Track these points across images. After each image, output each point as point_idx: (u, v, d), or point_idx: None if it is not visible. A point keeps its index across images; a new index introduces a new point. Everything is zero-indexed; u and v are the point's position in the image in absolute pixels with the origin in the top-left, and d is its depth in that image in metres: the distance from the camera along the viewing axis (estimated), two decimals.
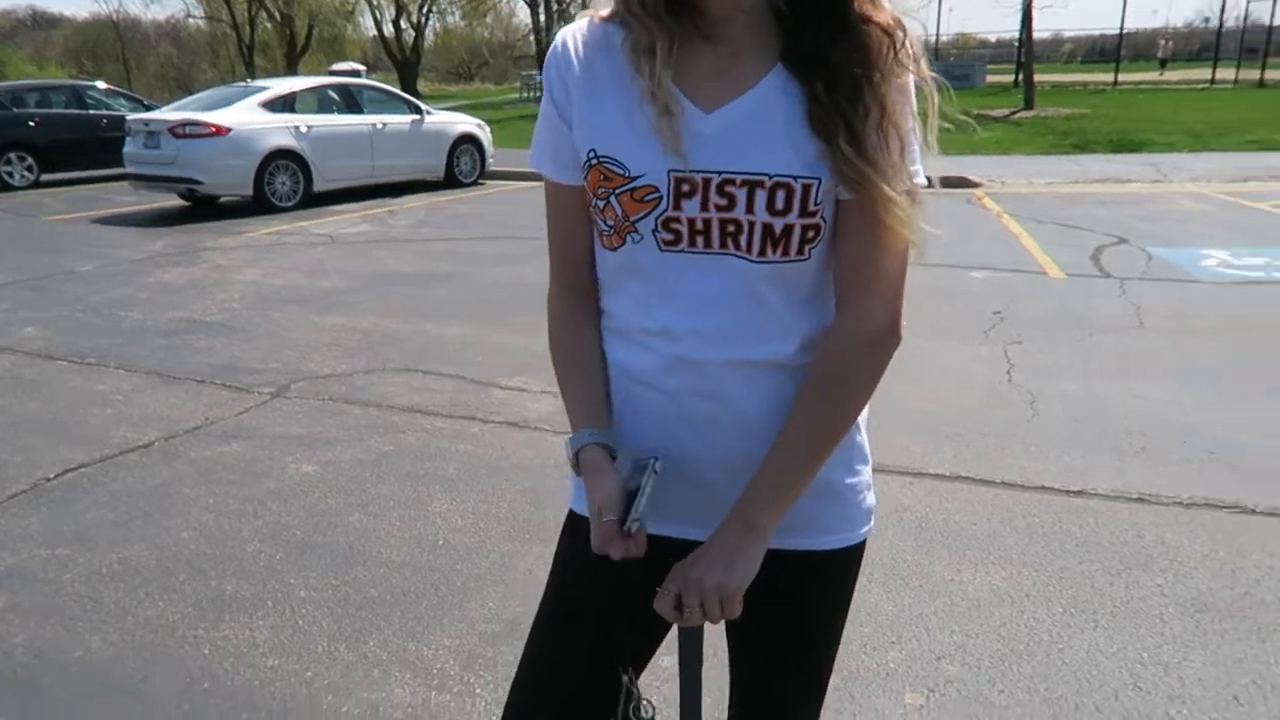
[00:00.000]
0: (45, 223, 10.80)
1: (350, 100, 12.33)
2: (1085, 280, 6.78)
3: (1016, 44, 30.81)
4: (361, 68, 32.42)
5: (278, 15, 46.41)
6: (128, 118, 11.75)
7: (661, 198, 1.06)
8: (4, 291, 7.10)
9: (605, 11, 1.12)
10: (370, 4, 49.66)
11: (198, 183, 10.75)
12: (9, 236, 9.94)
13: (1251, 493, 3.34)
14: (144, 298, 6.88)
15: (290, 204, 11.23)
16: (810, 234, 1.06)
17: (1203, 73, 33.62)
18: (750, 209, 1.04)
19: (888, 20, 1.04)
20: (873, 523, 1.25)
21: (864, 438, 1.24)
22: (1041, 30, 28.93)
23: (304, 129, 11.34)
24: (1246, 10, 33.65)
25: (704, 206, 1.05)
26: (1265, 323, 5.58)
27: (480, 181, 13.55)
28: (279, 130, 11.12)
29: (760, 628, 1.23)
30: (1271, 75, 30.63)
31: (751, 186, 1.03)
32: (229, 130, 10.67)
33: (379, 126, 12.16)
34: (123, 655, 2.54)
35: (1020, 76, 25.75)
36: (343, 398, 4.63)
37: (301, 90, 12.01)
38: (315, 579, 2.93)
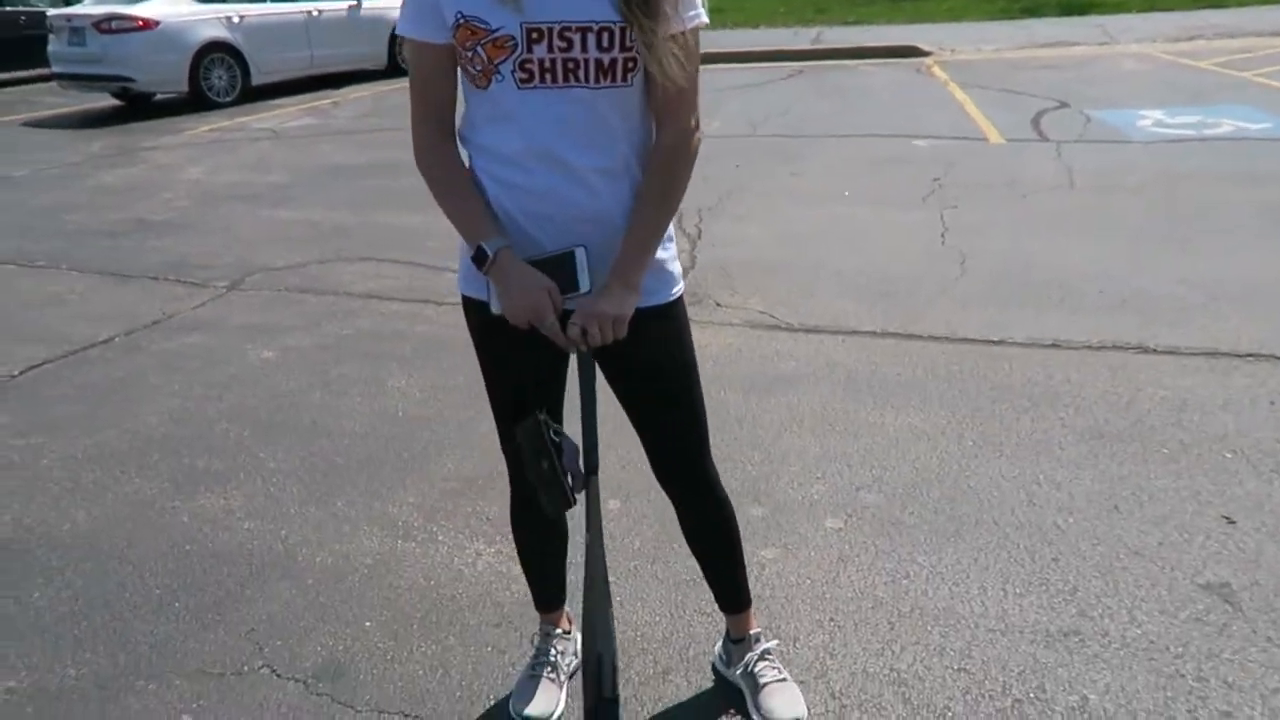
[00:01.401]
0: None
1: None
2: (1023, 145, 6.94)
3: None
4: None
5: None
6: (48, 13, 11.28)
7: (517, 44, 1.39)
8: None
9: None
10: None
11: (130, 80, 10.45)
12: None
13: (1154, 335, 3.61)
14: (86, 200, 6.82)
15: (229, 99, 10.96)
16: (630, 65, 1.43)
17: None
18: (584, 48, 1.40)
19: None
20: (682, 285, 1.67)
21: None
22: None
23: (236, 19, 10.96)
24: None
25: (549, 49, 1.40)
26: (1189, 179, 5.79)
27: None
28: (210, 21, 10.75)
29: (632, 367, 1.66)
30: None
31: (584, 32, 1.39)
32: (158, 23, 10.30)
33: (314, 14, 11.78)
34: (108, 527, 2.73)
35: None
36: (298, 287, 4.73)
37: None
38: (283, 452, 3.12)
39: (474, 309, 1.64)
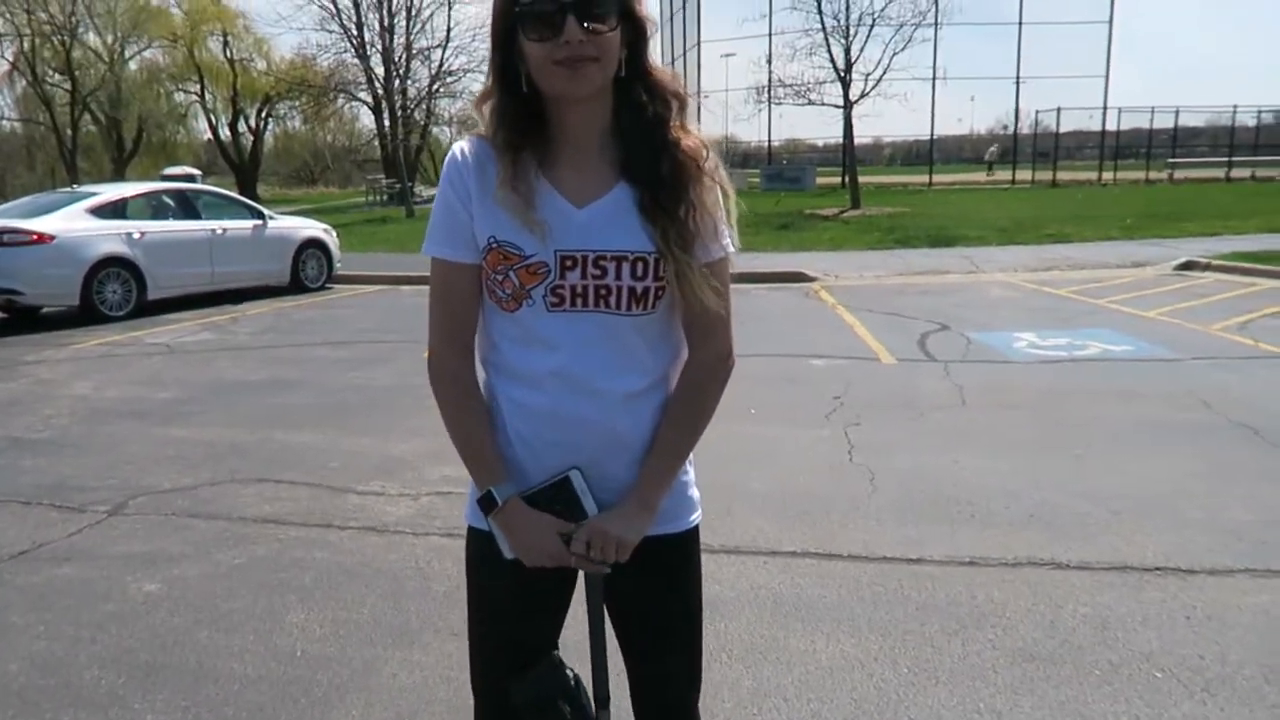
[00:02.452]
0: None
1: (187, 206, 12.03)
2: (913, 364, 7.31)
3: (841, 149, 33.20)
4: (197, 172, 31.53)
5: (103, 118, 44.73)
6: None
7: (550, 271, 1.42)
8: None
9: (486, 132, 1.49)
10: (204, 108, 48.69)
11: (18, 293, 10.13)
12: None
13: (1065, 550, 3.68)
14: None
15: (122, 313, 10.71)
16: (660, 292, 1.45)
17: (1006, 175, 37.16)
18: (619, 276, 1.42)
19: (695, 143, 1.49)
20: (699, 512, 1.62)
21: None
22: (862, 136, 31.49)
23: (137, 235, 10.92)
24: (1036, 119, 37.53)
25: (583, 276, 1.42)
26: (1069, 396, 6.17)
27: (328, 286, 13.34)
28: (109, 237, 10.67)
29: (635, 599, 1.58)
30: (1062, 176, 34.20)
31: (619, 261, 1.42)
32: (53, 238, 10.16)
33: (218, 232, 11.86)
34: None
35: (846, 179, 27.70)
36: (187, 512, 4.44)
37: (134, 195, 11.63)
38: (162, 703, 2.79)
39: (477, 541, 1.58)
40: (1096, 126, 36.67)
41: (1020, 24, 36.18)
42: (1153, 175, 35.08)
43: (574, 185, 1.45)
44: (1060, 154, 35.97)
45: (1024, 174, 35.67)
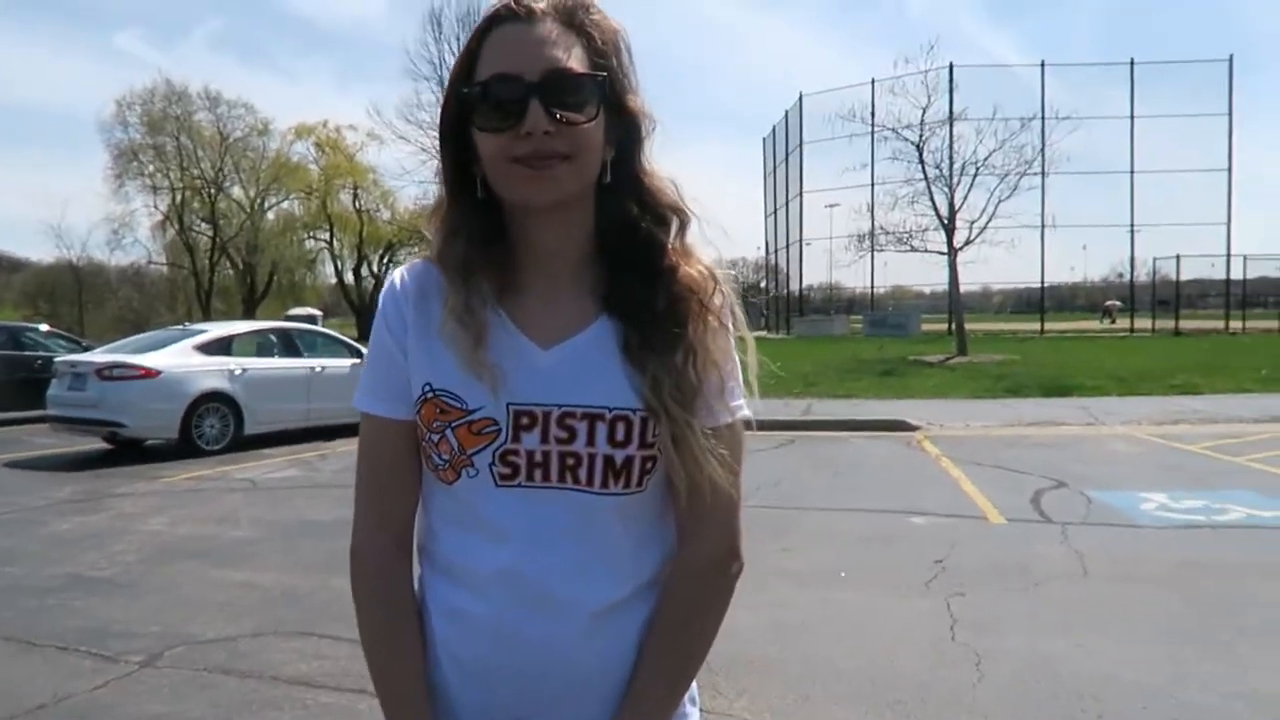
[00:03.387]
0: None
1: (290, 344, 12.37)
2: (1026, 525, 6.62)
3: (947, 296, 32.68)
4: (318, 313, 33.23)
5: (240, 263, 48.05)
6: (55, 360, 11.58)
7: (500, 430, 1.06)
8: None
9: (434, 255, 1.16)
10: (332, 253, 51.81)
11: (121, 425, 10.44)
12: None
13: None
14: (32, 550, 6.38)
15: (219, 446, 10.89)
16: (649, 465, 1.08)
17: (1123, 323, 35.79)
18: (591, 441, 1.06)
19: (699, 271, 1.12)
20: None
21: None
22: (971, 283, 31.07)
23: (239, 371, 11.23)
24: (1154, 266, 36.22)
25: (544, 439, 1.06)
26: (1211, 569, 5.39)
27: None
28: (212, 373, 10.99)
29: None
30: (1186, 325, 32.66)
31: (592, 419, 1.06)
32: (159, 373, 10.51)
33: (317, 370, 12.11)
34: None
35: (952, 325, 27.04)
36: (220, 667, 4.13)
37: (240, 334, 12.05)
38: None
39: None
40: (1217, 275, 35.26)
41: (1133, 172, 35.57)
42: None
43: (540, 320, 1.11)
44: (1182, 303, 34.53)
45: (1143, 322, 34.26)
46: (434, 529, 1.15)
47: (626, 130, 1.11)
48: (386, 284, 1.18)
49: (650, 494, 1.11)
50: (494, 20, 1.06)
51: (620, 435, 1.06)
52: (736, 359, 1.15)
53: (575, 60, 1.04)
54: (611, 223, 1.12)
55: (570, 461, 1.06)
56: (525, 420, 1.06)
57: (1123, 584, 5.17)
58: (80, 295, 46.36)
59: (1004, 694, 3.68)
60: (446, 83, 1.10)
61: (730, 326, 1.14)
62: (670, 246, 1.13)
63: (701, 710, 1.23)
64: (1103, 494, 7.55)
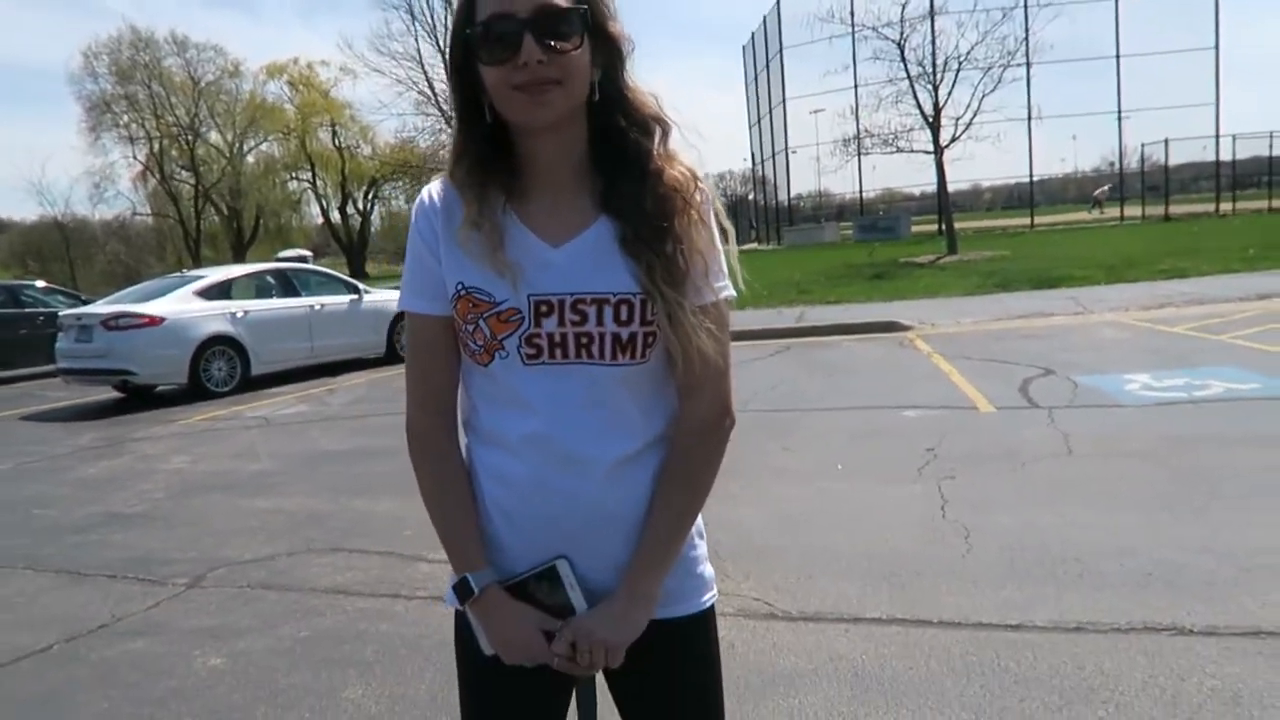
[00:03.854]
0: None
1: (288, 284, 12.48)
2: (1014, 412, 6.88)
3: (936, 196, 32.59)
4: (308, 253, 32.94)
5: (225, 208, 47.61)
6: (60, 313, 11.72)
7: (524, 318, 1.26)
8: None
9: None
10: (316, 193, 51.33)
11: (131, 373, 10.65)
12: None
13: (1188, 613, 3.28)
14: (63, 493, 6.65)
15: (227, 389, 11.13)
16: (650, 339, 1.28)
17: (1113, 211, 35.75)
18: (600, 322, 1.26)
19: (681, 171, 1.31)
20: (715, 590, 1.44)
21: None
22: (960, 181, 31.01)
23: (240, 314, 11.39)
24: (1143, 154, 35.95)
25: (560, 323, 1.26)
26: (1189, 442, 5.66)
27: None
28: (214, 317, 11.15)
29: (641, 692, 1.41)
30: (1175, 210, 32.66)
31: (600, 304, 1.26)
32: (163, 320, 10.67)
33: (317, 308, 12.27)
34: None
35: (942, 225, 27.06)
36: (261, 584, 4.42)
37: (238, 277, 12.17)
38: None
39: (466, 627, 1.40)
40: (1210, 158, 35.01)
41: (1118, 57, 35.08)
42: (1276, 204, 33.18)
43: (548, 222, 1.30)
44: (1173, 188, 34.40)
45: (1133, 210, 34.25)
46: (475, 405, 1.36)
47: (609, 53, 1.28)
48: (417, 201, 1.36)
49: (653, 365, 1.30)
50: None
51: (624, 316, 1.26)
52: (719, 247, 1.33)
53: None
54: (602, 135, 1.30)
55: (584, 340, 1.26)
56: (544, 308, 1.26)
57: (1106, 460, 5.45)
58: (68, 251, 46.09)
59: (992, 563, 3.97)
60: (451, 25, 1.29)
61: (711, 219, 1.32)
62: (655, 152, 1.30)
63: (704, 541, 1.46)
64: (1088, 378, 7.81)
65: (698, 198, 1.31)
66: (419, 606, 3.98)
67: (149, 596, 4.36)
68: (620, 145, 1.30)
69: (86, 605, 4.30)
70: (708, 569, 1.43)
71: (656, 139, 1.31)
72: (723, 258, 1.33)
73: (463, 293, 1.29)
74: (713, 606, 1.42)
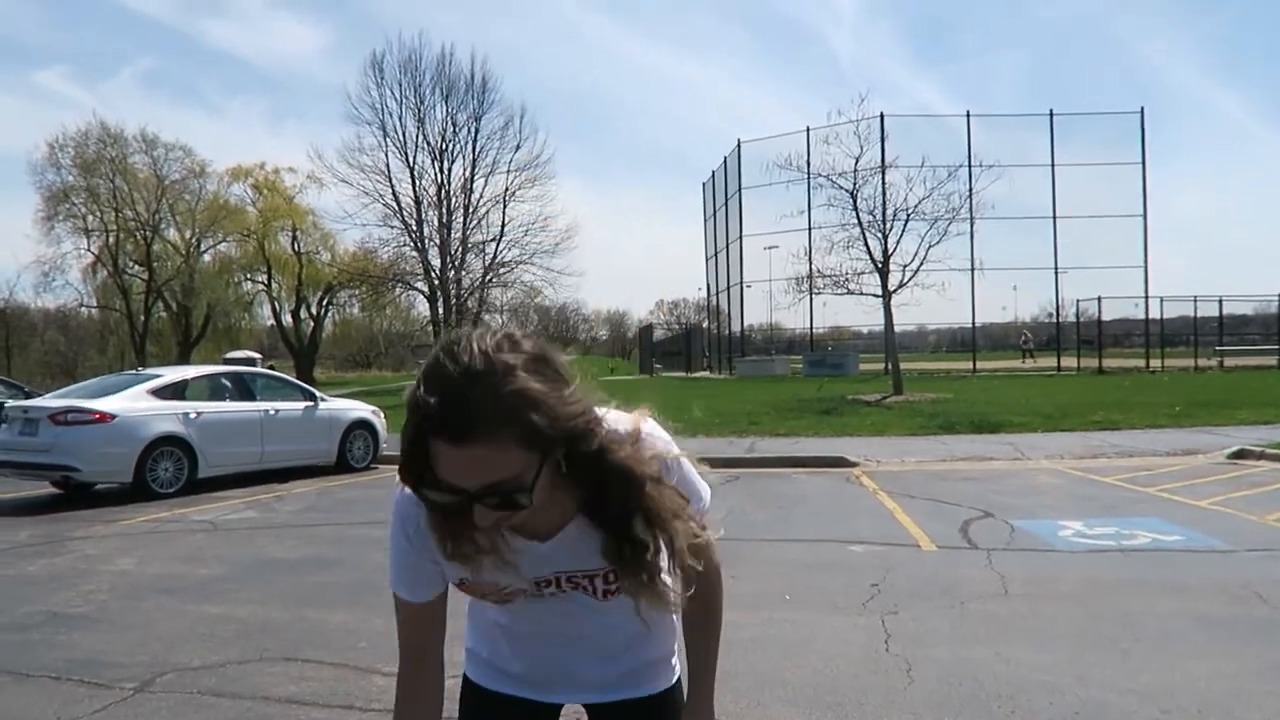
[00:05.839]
0: None
1: (244, 388, 12.51)
2: (955, 552, 7.16)
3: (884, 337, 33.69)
4: (258, 356, 32.87)
5: (175, 305, 47.18)
6: (5, 405, 11.57)
7: (527, 590, 1.58)
8: None
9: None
10: (270, 296, 51.25)
11: (75, 470, 10.48)
12: None
13: None
14: (3, 590, 6.50)
15: (173, 490, 10.97)
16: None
17: (1050, 361, 37.25)
18: (591, 586, 1.58)
19: (631, 453, 1.42)
20: (679, 670, 1.80)
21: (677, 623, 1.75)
22: (906, 324, 32.02)
23: (193, 415, 11.35)
24: (1078, 309, 37.78)
25: (558, 588, 1.58)
26: (1115, 588, 5.96)
27: (373, 466, 13.58)
28: (166, 417, 11.09)
29: None
30: (1108, 363, 34.16)
31: (590, 576, 1.56)
32: (114, 417, 10.60)
33: (271, 413, 12.27)
34: None
35: (889, 365, 27.92)
36: (213, 690, 4.41)
37: (194, 378, 12.17)
38: None
39: (472, 696, 1.76)
40: (1140, 315, 36.91)
41: (1055, 218, 37.23)
42: (1201, 362, 34.91)
43: (533, 526, 1.48)
44: (1106, 341, 36.06)
45: (1070, 361, 35.72)
46: (473, 627, 1.78)
47: (563, 441, 1.31)
48: (396, 503, 1.52)
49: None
50: (428, 432, 1.26)
51: (611, 580, 1.55)
52: (684, 473, 1.55)
53: (503, 465, 1.25)
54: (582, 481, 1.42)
55: (580, 583, 1.58)
56: (544, 583, 1.57)
57: (1038, 601, 5.71)
58: (7, 339, 45.13)
59: (931, 695, 4.15)
60: (405, 428, 1.30)
61: (668, 470, 1.48)
62: (621, 453, 1.41)
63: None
64: (1025, 523, 8.15)
65: (653, 466, 1.44)
66: (375, 718, 4.01)
67: (96, 700, 4.31)
68: (596, 473, 1.41)
69: (30, 707, 4.24)
70: (676, 660, 1.79)
71: (627, 446, 1.43)
72: (692, 477, 1.58)
73: (468, 584, 1.57)
74: (680, 681, 1.77)
